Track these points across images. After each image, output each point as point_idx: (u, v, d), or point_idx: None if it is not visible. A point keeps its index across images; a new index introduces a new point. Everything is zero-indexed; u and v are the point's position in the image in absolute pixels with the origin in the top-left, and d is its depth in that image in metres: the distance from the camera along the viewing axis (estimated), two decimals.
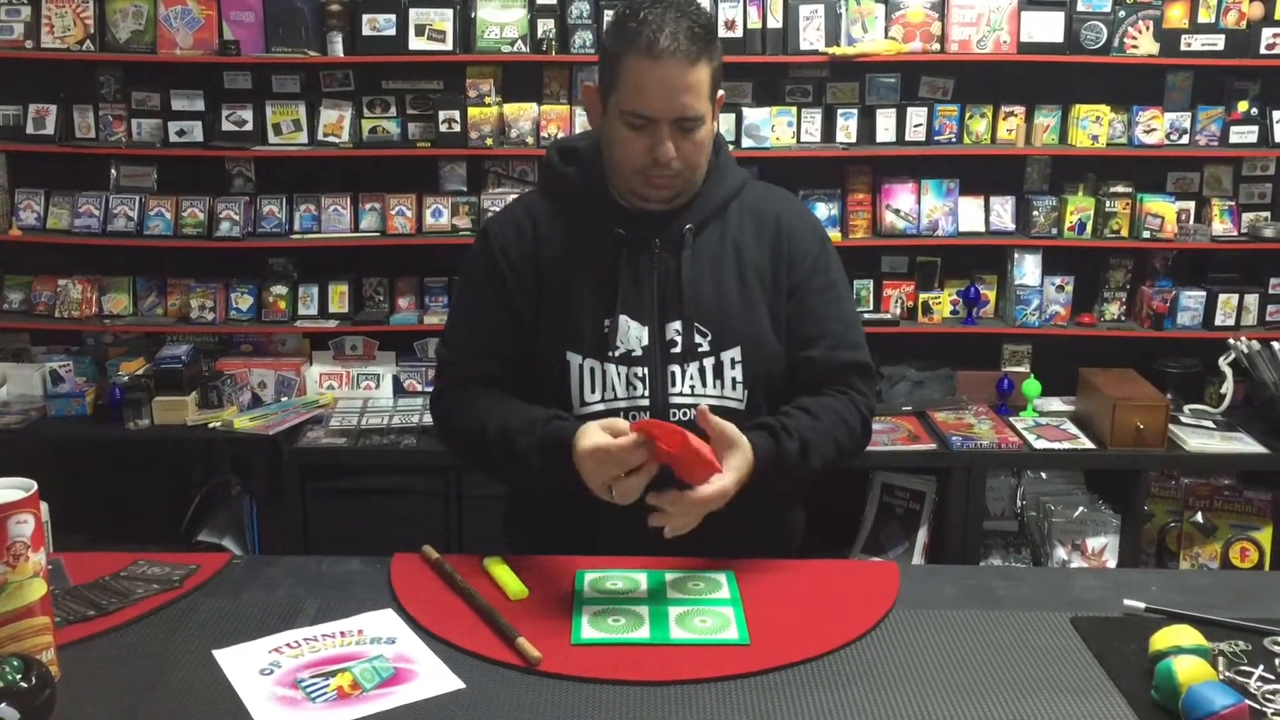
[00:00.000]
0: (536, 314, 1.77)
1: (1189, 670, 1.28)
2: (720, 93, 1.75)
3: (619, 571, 1.64)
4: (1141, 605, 1.55)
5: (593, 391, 1.75)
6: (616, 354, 1.74)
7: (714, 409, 1.71)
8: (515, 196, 2.29)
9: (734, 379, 1.76)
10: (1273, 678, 1.36)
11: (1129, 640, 1.45)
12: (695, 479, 1.54)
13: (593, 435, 1.57)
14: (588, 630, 1.48)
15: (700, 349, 1.75)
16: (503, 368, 1.80)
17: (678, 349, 1.75)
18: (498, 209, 2.40)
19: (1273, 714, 1.29)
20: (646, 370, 1.74)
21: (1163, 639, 1.37)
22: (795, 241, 1.82)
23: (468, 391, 1.79)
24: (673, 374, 1.75)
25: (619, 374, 1.74)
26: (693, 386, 1.75)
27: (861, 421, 1.79)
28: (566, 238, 1.79)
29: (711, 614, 1.52)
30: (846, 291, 1.87)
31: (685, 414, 1.74)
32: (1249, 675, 1.36)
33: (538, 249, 1.79)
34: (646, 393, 1.74)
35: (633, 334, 1.74)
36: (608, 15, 3.38)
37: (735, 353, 1.76)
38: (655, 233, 1.76)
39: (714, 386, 1.76)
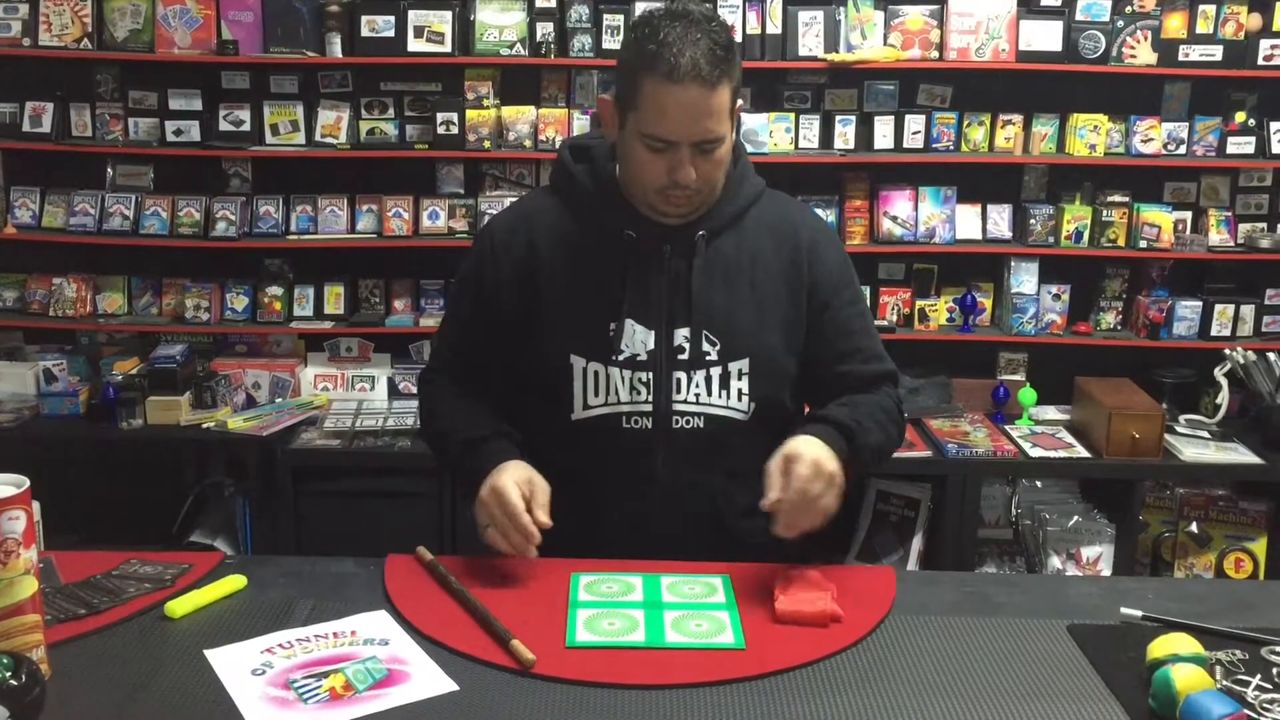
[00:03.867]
0: (535, 316, 1.76)
1: (1187, 679, 1.28)
2: (740, 102, 1.72)
3: (614, 575, 1.63)
4: (1139, 613, 1.54)
5: (595, 395, 1.74)
6: (621, 358, 1.73)
7: (718, 419, 1.74)
8: (516, 198, 2.29)
9: (740, 390, 1.75)
10: (1270, 687, 1.36)
11: (1126, 648, 1.44)
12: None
13: (510, 476, 1.63)
14: (582, 633, 1.47)
15: (708, 357, 1.74)
16: (478, 370, 1.83)
17: (684, 355, 1.73)
18: (494, 212, 2.40)
19: None
20: (651, 375, 1.73)
21: (1160, 647, 1.37)
22: (819, 257, 1.80)
23: (444, 386, 1.85)
24: (678, 380, 1.73)
25: (623, 378, 1.73)
26: (698, 395, 1.74)
27: (897, 407, 1.82)
28: (571, 238, 1.78)
29: (707, 618, 1.51)
30: (865, 303, 1.90)
31: (688, 421, 1.74)
32: (1246, 684, 1.36)
33: (535, 250, 1.78)
34: (650, 397, 1.73)
35: (638, 338, 1.73)
36: (607, 20, 3.39)
37: (744, 364, 1.75)
38: (667, 238, 1.74)
39: (719, 396, 1.74)
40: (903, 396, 1.88)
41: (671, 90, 1.59)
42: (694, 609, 1.54)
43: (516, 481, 1.62)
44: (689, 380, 1.74)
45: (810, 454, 1.57)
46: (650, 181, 1.68)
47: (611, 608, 1.53)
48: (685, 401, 1.74)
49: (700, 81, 1.59)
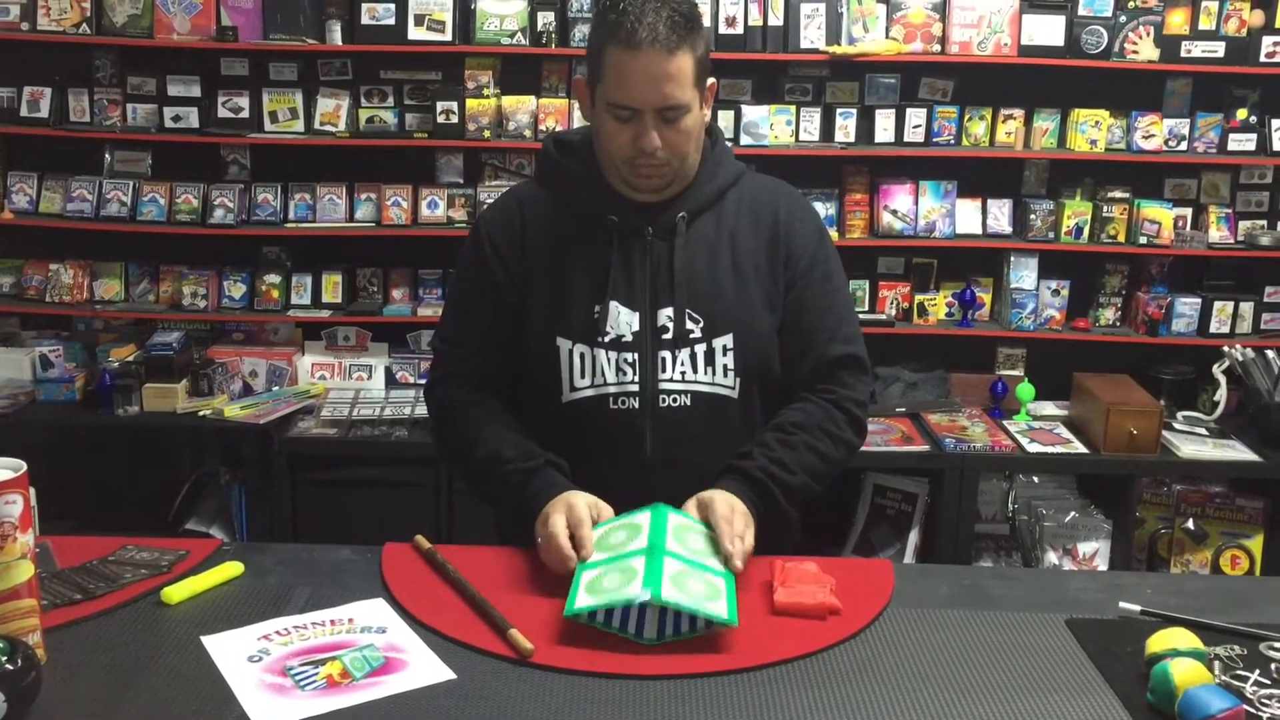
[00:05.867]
0: (525, 301, 1.79)
1: (1185, 673, 1.27)
2: (711, 81, 1.75)
3: (621, 519, 1.62)
4: (1137, 608, 1.54)
5: (582, 377, 1.76)
6: (606, 339, 1.75)
7: (705, 395, 1.75)
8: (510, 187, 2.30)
9: (725, 365, 1.76)
10: (1269, 682, 1.36)
11: (1124, 642, 1.44)
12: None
13: (579, 511, 1.61)
14: (583, 598, 1.44)
15: (692, 335, 1.76)
16: (493, 363, 1.83)
17: (669, 335, 1.75)
18: (493, 201, 2.42)
19: (1268, 718, 1.28)
20: (636, 356, 1.75)
21: (1159, 641, 1.37)
22: (793, 235, 1.82)
23: (463, 392, 1.82)
24: (663, 360, 1.75)
25: (609, 359, 1.75)
26: (683, 373, 1.76)
27: (848, 419, 1.80)
28: (558, 224, 1.81)
29: (705, 580, 1.48)
30: (842, 284, 1.87)
31: (675, 400, 1.75)
32: (1245, 679, 1.35)
33: (526, 235, 1.81)
34: (636, 378, 1.75)
35: (623, 319, 1.75)
36: None
37: (727, 339, 1.76)
38: (648, 220, 1.77)
39: (705, 373, 1.76)
40: (866, 397, 1.85)
41: (631, 57, 1.64)
42: (694, 566, 1.50)
43: (589, 504, 1.63)
44: (674, 359, 1.75)
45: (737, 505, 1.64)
46: (618, 152, 1.71)
47: (614, 561, 1.50)
48: (671, 380, 1.75)
49: (658, 47, 1.63)
